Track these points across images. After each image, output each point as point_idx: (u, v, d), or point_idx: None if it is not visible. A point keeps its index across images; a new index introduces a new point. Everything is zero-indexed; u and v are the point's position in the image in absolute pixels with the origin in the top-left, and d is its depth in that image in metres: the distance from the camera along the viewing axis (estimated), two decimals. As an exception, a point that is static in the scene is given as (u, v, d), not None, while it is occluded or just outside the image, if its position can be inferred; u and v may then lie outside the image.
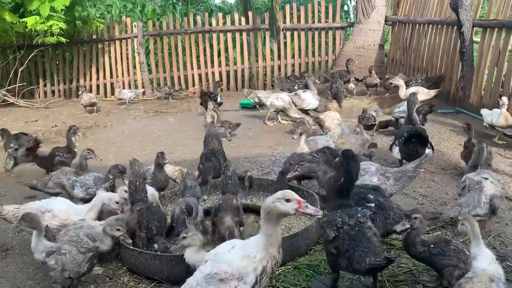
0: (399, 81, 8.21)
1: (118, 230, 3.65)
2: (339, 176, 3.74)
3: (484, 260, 2.86)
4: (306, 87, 8.87)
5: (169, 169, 5.21)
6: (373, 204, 3.66)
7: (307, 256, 3.81)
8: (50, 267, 3.40)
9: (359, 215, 3.16)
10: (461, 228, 3.03)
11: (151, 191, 4.43)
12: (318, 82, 9.58)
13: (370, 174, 4.22)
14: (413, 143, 5.24)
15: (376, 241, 3.08)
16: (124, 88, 11.87)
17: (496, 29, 7.71)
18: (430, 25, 9.90)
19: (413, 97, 5.95)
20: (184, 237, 3.29)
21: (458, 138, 6.85)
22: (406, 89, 8.09)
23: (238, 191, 4.39)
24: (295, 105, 8.25)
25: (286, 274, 3.56)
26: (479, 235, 2.94)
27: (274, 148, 7.02)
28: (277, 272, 3.59)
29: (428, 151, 5.30)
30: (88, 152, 5.58)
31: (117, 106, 11.09)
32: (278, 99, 8.26)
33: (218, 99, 8.98)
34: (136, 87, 12.21)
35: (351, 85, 9.83)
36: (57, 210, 4.10)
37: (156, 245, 3.76)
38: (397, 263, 3.62)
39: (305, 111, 8.13)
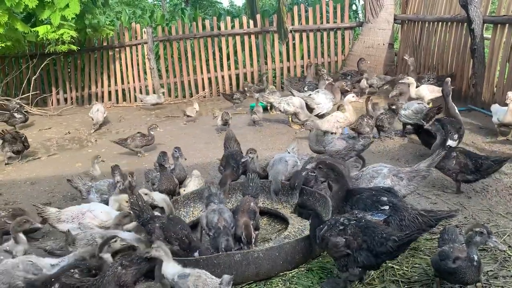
0: (408, 79, 8.12)
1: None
2: (342, 188, 3.82)
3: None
4: (317, 87, 8.85)
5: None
6: (387, 206, 3.59)
7: (320, 258, 3.81)
8: None
9: (356, 212, 3.40)
10: None
11: (161, 197, 4.42)
12: (331, 79, 9.33)
13: (383, 176, 4.11)
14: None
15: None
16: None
17: (507, 24, 7.62)
18: (440, 23, 9.80)
19: (446, 85, 6.15)
20: (152, 248, 3.23)
21: (470, 136, 6.77)
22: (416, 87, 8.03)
23: (259, 195, 4.41)
24: (311, 110, 8.14)
25: (300, 276, 3.57)
26: None
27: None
28: (290, 274, 3.61)
29: (452, 143, 5.53)
30: (176, 151, 5.45)
31: (128, 112, 11.18)
32: (289, 104, 8.19)
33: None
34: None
35: (364, 83, 9.77)
36: (98, 211, 4.28)
37: (197, 253, 3.68)
38: (411, 263, 3.61)
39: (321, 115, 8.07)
